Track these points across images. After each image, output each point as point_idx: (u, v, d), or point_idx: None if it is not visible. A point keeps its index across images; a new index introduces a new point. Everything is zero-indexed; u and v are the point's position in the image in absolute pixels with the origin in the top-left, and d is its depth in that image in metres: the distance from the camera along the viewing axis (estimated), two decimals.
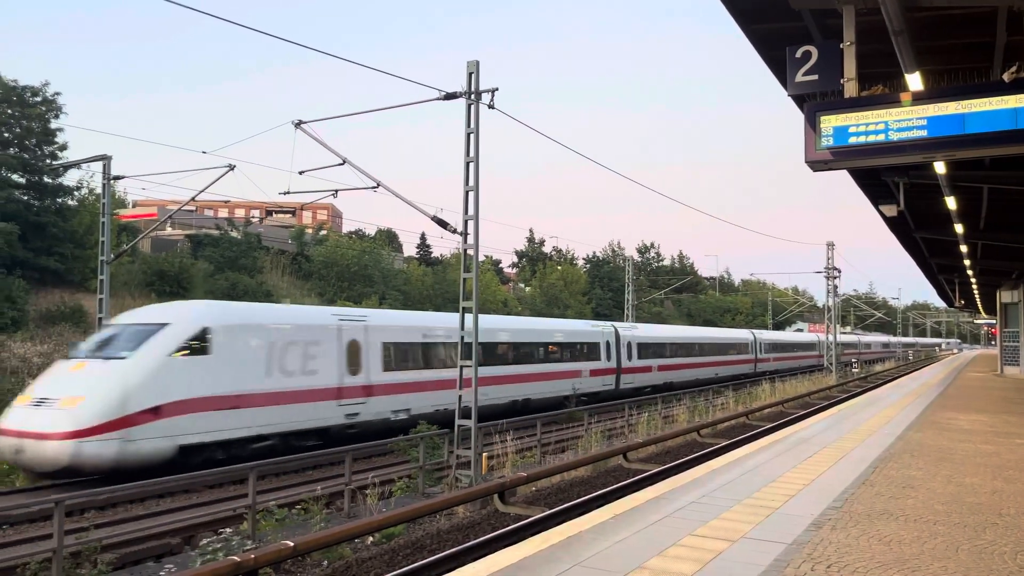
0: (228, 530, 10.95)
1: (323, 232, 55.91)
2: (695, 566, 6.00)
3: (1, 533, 12.29)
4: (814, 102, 8.18)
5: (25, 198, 30.90)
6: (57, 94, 31.98)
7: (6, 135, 30.79)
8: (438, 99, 15.94)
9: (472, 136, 15.83)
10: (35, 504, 11.09)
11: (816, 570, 5.88)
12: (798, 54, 8.22)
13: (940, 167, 12.84)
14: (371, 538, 11.31)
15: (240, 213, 63.59)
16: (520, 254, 75.72)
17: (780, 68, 10.24)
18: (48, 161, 31.51)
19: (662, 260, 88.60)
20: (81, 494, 11.28)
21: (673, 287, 65.66)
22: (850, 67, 8.12)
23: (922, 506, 8.24)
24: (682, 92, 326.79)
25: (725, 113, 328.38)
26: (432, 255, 64.79)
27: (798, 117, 11.37)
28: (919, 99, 7.84)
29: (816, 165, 8.23)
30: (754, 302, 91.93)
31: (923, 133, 7.64)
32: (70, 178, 33.59)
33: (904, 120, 7.61)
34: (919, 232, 23.51)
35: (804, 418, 21.91)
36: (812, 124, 8.08)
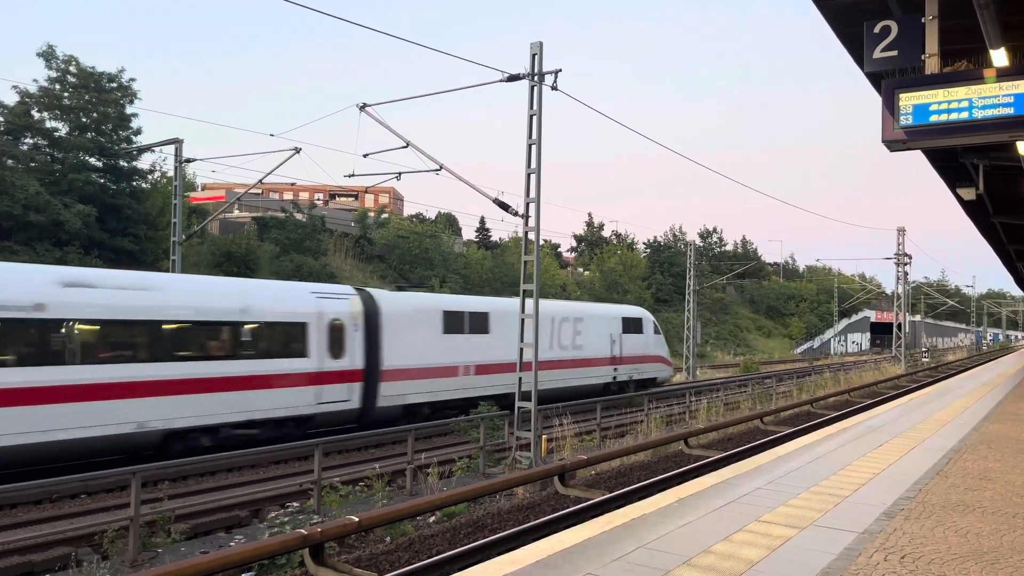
0: (295, 504, 11.22)
1: (385, 215, 56.57)
2: (762, 552, 5.90)
3: (80, 502, 12.85)
4: (892, 79, 7.88)
5: (102, 181, 32.01)
6: (132, 80, 33.04)
7: (84, 120, 31.89)
8: (501, 81, 15.90)
9: (535, 118, 15.77)
10: (112, 475, 11.51)
11: (889, 560, 5.72)
12: (876, 29, 7.93)
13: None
14: (433, 516, 11.46)
15: (305, 196, 64.75)
16: (579, 238, 75.39)
17: (855, 45, 9.90)
18: (123, 145, 32.55)
19: (725, 245, 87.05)
20: (155, 466, 11.69)
21: (736, 272, 64.56)
22: (932, 42, 7.79)
23: (1000, 498, 7.95)
24: (748, 75, 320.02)
25: (793, 95, 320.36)
26: (491, 239, 64.98)
27: (871, 98, 11.01)
28: (1004, 75, 7.48)
29: (893, 145, 7.94)
30: (819, 288, 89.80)
31: (1009, 111, 7.29)
32: (144, 161, 34.70)
33: (990, 97, 7.27)
34: (998, 217, 22.52)
35: (872, 407, 21.36)
36: (890, 102, 7.78)
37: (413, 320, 20.59)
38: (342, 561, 8.89)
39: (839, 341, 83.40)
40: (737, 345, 69.03)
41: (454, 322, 21.80)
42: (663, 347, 31.97)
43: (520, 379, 16.42)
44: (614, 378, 28.49)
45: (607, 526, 6.60)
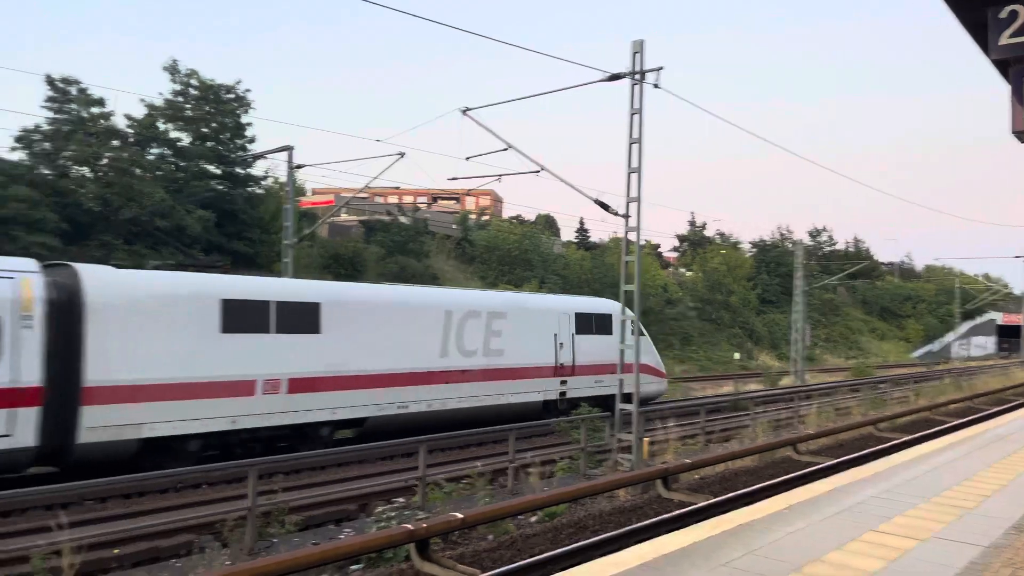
0: (400, 500, 11.53)
1: (485, 217, 57.29)
2: (879, 563, 5.66)
3: (202, 492, 13.56)
4: (1021, 66, 7.41)
5: (220, 187, 33.70)
6: (247, 91, 34.65)
7: (204, 130, 33.65)
8: (602, 80, 15.81)
9: (636, 117, 15.62)
10: (231, 467, 12.09)
11: None
12: (1003, 14, 7.48)
13: None
14: (534, 516, 11.51)
15: (409, 199, 66.31)
16: (681, 238, 74.11)
17: (979, 32, 9.35)
18: (239, 153, 34.18)
19: (835, 244, 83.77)
20: (271, 459, 12.22)
21: (847, 272, 61.97)
22: None
23: None
24: (859, 72, 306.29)
25: (909, 91, 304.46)
26: (590, 240, 64.77)
27: (996, 88, 10.36)
28: None
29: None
30: (938, 289, 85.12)
31: None
32: (258, 168, 36.32)
33: None
34: None
35: (999, 415, 20.13)
36: (1019, 91, 7.33)
37: (156, 312, 14.00)
38: (446, 557, 9.05)
39: (961, 344, 78.82)
40: (848, 348, 66.30)
41: (245, 316, 15.14)
42: (648, 353, 23.05)
43: (621, 381, 16.33)
44: (562, 393, 21.19)
45: (713, 531, 6.48)
